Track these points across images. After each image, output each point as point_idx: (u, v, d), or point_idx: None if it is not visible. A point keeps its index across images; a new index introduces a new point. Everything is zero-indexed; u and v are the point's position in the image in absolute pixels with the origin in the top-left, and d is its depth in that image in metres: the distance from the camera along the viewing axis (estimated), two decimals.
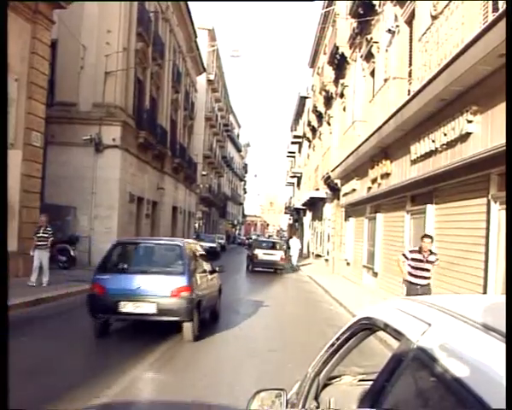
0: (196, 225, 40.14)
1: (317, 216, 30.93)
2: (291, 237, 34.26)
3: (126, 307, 6.45)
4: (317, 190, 27.32)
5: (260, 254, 21.88)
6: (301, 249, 31.53)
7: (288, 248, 32.87)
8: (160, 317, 6.22)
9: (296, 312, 11.59)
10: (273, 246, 22.77)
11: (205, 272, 7.90)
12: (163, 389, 4.81)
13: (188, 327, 6.72)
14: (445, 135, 8.44)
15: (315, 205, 31.56)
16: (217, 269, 8.77)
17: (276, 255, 21.78)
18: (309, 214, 36.83)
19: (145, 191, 21.71)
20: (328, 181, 22.88)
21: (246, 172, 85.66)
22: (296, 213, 47.86)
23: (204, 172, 41.08)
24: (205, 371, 5.43)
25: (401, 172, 11.40)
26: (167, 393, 4.65)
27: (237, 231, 75.31)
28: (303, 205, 35.81)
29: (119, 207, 17.65)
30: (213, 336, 7.45)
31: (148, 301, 6.45)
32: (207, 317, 8.31)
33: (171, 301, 6.55)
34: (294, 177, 50.01)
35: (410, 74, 11.48)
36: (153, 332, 7.14)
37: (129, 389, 4.66)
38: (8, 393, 1.48)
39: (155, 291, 6.55)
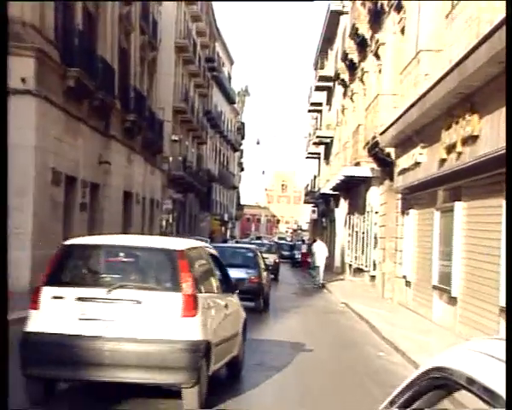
0: (164, 221, 40.24)
1: (357, 207, 31.07)
2: (315, 241, 34.68)
3: None
4: (357, 164, 27.44)
5: None
6: (328, 257, 32.39)
7: (311, 254, 33.26)
8: (242, 295, 11.51)
9: (326, 360, 11.88)
10: (267, 249, 32.25)
11: (263, 269, 19.49)
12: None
13: (257, 302, 17.82)
14: None
15: (353, 189, 31.67)
16: (270, 267, 22.94)
17: (269, 259, 29.67)
18: (344, 204, 37.01)
19: (79, 167, 21.72)
20: (374, 150, 22.92)
21: (242, 138, 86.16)
22: (323, 203, 48.15)
23: (175, 137, 41.15)
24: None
25: (497, 133, 11.36)
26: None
27: (229, 232, 75.79)
28: (334, 189, 36.03)
29: (35, 193, 17.65)
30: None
31: None
32: (261, 304, 18.39)
33: (248, 285, 16.64)
34: (320, 144, 50.18)
35: None
36: None
37: None
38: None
39: (239, 278, 14.11)
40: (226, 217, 72.94)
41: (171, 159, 40.28)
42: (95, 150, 23.58)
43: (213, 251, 9.71)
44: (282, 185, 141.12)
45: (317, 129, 52.42)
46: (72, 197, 21.46)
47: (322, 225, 50.07)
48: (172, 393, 7.56)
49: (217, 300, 8.42)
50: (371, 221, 27.04)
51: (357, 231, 31.76)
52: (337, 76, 37.53)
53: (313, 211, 60.51)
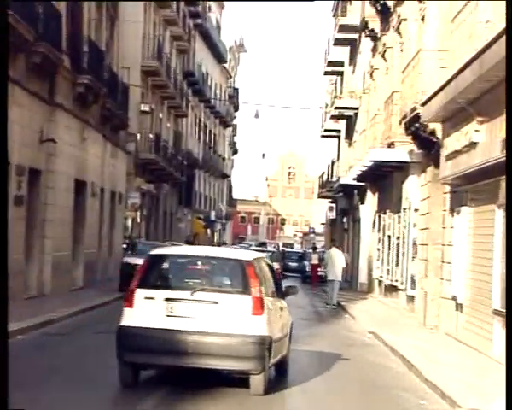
0: (129, 221, 40.26)
1: (390, 203, 31.31)
2: (330, 247, 35.19)
3: None
4: (391, 145, 27.64)
5: None
6: (346, 269, 33.26)
7: (323, 264, 33.98)
8: None
9: None
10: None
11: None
12: None
13: None
14: None
15: (385, 179, 31.89)
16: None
17: None
18: (371, 199, 37.20)
19: (13, 147, 21.58)
20: (414, 126, 23.05)
21: (236, 109, 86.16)
22: (344, 197, 48.34)
23: (145, 108, 41.11)
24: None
25: None
26: None
27: (217, 235, 75.81)
28: (358, 179, 36.30)
29: None
30: None
31: None
32: None
33: None
34: (341, 118, 50.18)
35: None
36: None
37: None
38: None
39: None
40: (213, 215, 72.91)
41: (139, 136, 40.17)
42: (35, 124, 23.54)
43: (269, 261, 14.88)
44: (289, 174, 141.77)
45: (336, 97, 52.21)
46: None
47: (343, 227, 50.15)
48: (239, 382, 11.67)
49: (274, 303, 12.64)
50: (409, 222, 27.12)
51: (389, 236, 31.85)
52: (364, 25, 37.61)
53: (330, 208, 60.75)
